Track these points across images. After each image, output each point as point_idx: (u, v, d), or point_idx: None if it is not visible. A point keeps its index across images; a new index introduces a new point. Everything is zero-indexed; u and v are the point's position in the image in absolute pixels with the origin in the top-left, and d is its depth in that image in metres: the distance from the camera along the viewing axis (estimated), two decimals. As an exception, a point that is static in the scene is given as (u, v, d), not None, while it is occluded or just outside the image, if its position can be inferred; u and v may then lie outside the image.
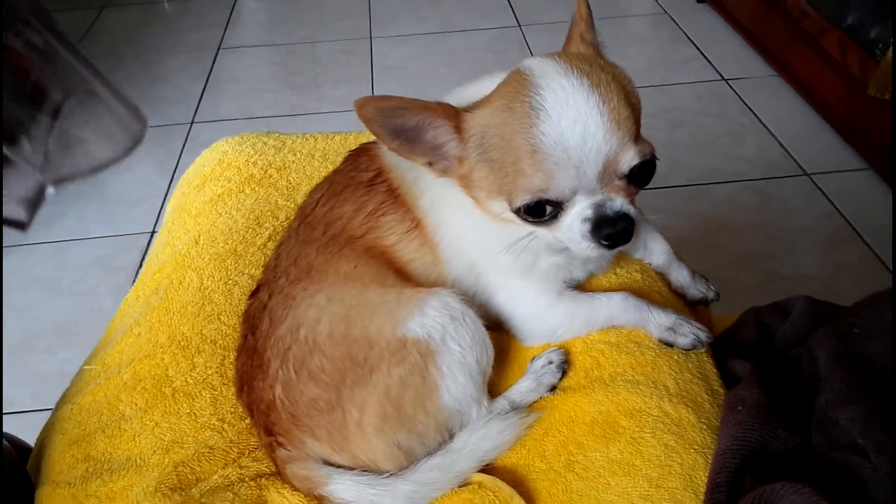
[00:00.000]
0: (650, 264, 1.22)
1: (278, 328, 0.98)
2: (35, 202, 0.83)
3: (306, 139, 1.45)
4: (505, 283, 1.08)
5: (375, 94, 3.40)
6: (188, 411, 1.01)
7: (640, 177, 0.89)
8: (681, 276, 1.22)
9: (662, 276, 1.20)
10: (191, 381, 1.04)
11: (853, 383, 0.90)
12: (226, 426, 1.00)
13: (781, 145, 2.98)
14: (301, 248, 1.04)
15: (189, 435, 0.99)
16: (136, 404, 1.02)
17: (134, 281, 2.43)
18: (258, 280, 1.10)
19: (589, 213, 0.88)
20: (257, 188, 1.31)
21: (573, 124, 0.83)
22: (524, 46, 3.70)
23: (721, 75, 3.43)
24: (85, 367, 1.13)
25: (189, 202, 1.33)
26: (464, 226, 1.03)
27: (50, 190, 0.78)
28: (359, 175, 1.08)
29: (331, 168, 1.35)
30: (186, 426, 0.99)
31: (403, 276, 1.05)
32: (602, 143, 0.84)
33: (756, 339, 1.13)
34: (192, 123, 3.31)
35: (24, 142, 0.78)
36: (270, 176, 1.34)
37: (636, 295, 1.08)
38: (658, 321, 1.06)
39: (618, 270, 1.17)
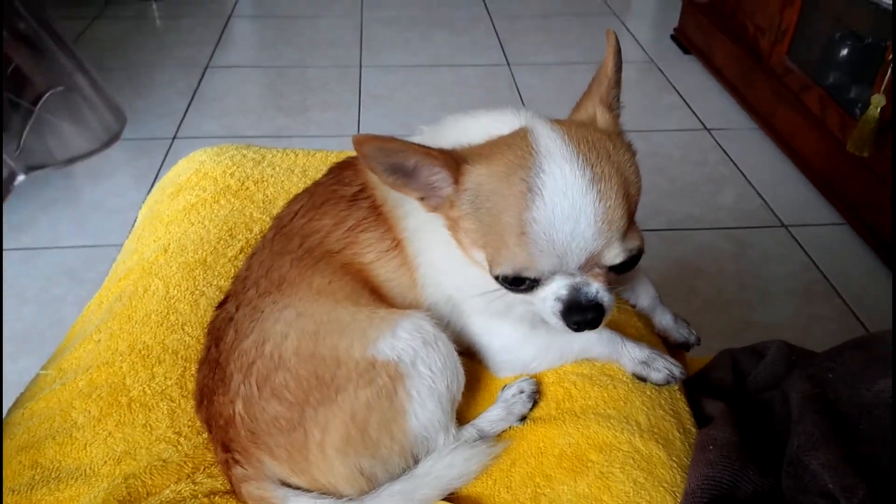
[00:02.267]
0: (635, 306, 1.21)
1: (243, 342, 0.95)
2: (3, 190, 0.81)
3: (286, 154, 1.42)
4: (479, 315, 1.07)
5: (362, 120, 3.42)
6: (143, 422, 0.97)
7: (622, 266, 0.88)
8: (664, 319, 1.22)
9: (639, 313, 1.19)
10: (148, 392, 1.01)
11: (825, 427, 0.89)
12: (182, 440, 0.96)
13: (760, 196, 3.01)
14: (274, 260, 1.02)
15: (143, 447, 0.95)
16: (90, 412, 0.98)
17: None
18: (227, 291, 1.07)
19: (563, 293, 0.88)
20: (233, 200, 1.28)
21: (565, 218, 0.82)
22: (512, 84, 3.73)
23: (703, 125, 3.48)
24: (41, 372, 1.09)
25: (161, 210, 1.30)
26: (443, 260, 1.01)
27: (20, 177, 0.76)
28: (342, 189, 1.06)
29: (310, 184, 1.33)
30: (140, 437, 0.96)
31: (378, 295, 1.02)
32: (590, 240, 0.83)
33: (730, 380, 1.12)
34: (174, 139, 3.29)
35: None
36: (247, 188, 1.32)
37: (611, 328, 1.07)
38: (632, 354, 1.05)
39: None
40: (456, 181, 0.89)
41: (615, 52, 0.94)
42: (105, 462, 0.93)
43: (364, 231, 1.02)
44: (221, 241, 1.20)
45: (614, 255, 0.85)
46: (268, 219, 1.24)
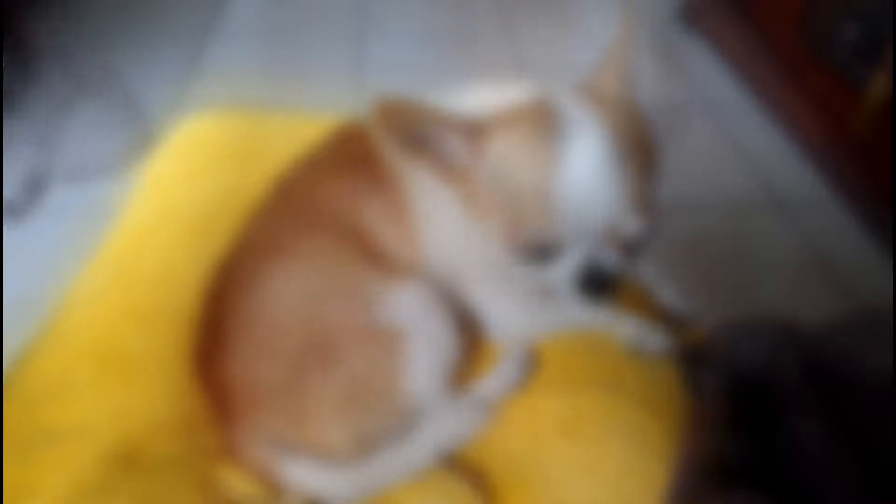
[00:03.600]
0: (636, 278, 1.20)
1: (242, 304, 0.94)
2: (33, 186, 0.80)
3: (290, 120, 1.40)
4: (479, 283, 1.07)
5: (365, 87, 3.38)
6: (140, 384, 0.97)
7: (637, 239, 0.88)
8: (666, 292, 1.21)
9: (638, 285, 1.19)
10: (146, 354, 1.00)
11: (818, 401, 0.90)
12: (178, 401, 0.97)
13: (759, 174, 3.00)
14: (274, 222, 1.01)
15: (139, 407, 0.95)
16: (87, 373, 0.98)
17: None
18: (224, 253, 1.05)
19: (580, 264, 0.88)
20: (234, 164, 1.27)
21: (588, 184, 0.82)
22: (517, 53, 3.69)
23: (705, 100, 3.45)
24: (37, 333, 1.08)
25: (161, 173, 1.29)
26: (448, 231, 1.01)
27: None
28: (346, 153, 1.05)
29: (314, 152, 1.32)
30: (137, 399, 0.96)
31: (380, 261, 1.01)
32: (611, 207, 0.83)
33: (725, 353, 1.12)
34: (173, 102, 3.25)
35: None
36: (249, 153, 1.30)
37: None
38: (628, 326, 1.05)
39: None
40: (475, 151, 0.88)
41: (629, 25, 0.94)
42: (102, 422, 0.93)
43: (367, 197, 1.01)
44: (222, 207, 1.17)
45: (633, 229, 0.85)
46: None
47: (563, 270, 0.89)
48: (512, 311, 1.07)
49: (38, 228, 2.54)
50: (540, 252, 0.87)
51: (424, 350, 0.93)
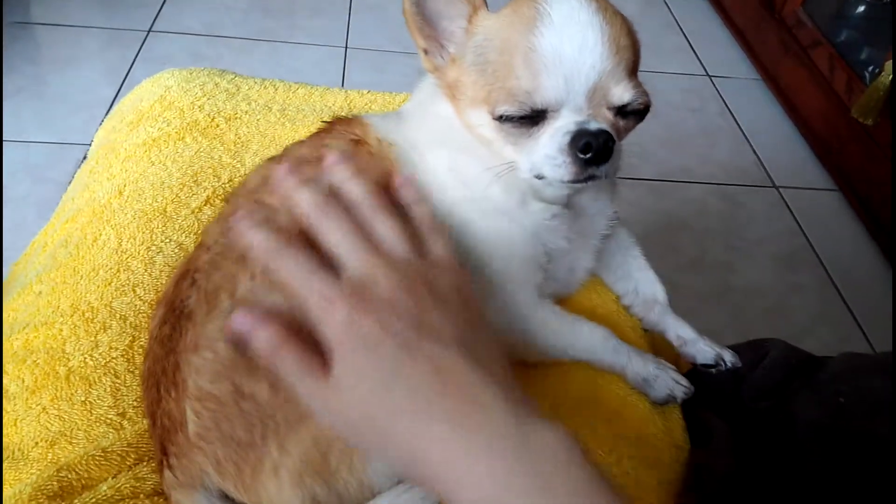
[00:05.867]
0: (640, 317, 1.07)
1: (207, 326, 0.80)
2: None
3: (265, 87, 1.26)
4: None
5: (351, 30, 3.23)
6: (83, 399, 0.84)
7: (629, 113, 0.86)
8: (681, 331, 1.05)
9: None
10: (90, 363, 0.87)
11: (838, 463, 0.83)
12: (125, 423, 0.84)
13: (755, 153, 2.92)
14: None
15: (80, 428, 0.82)
16: (24, 381, 0.85)
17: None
18: (191, 256, 0.89)
19: (571, 127, 0.84)
20: (200, 138, 1.12)
21: (573, 34, 0.82)
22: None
23: (706, 71, 3.34)
24: None
25: (118, 141, 1.14)
26: (445, 165, 0.94)
27: None
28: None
29: (288, 126, 1.19)
30: (78, 417, 0.83)
31: None
32: (598, 59, 0.82)
33: (726, 379, 1.03)
34: (149, 31, 3.08)
35: None
36: (218, 125, 1.15)
37: (614, 332, 0.96)
38: (635, 369, 0.95)
39: (592, 297, 1.04)
40: (470, 21, 0.89)
41: None
42: (37, 443, 0.81)
43: None
44: (185, 188, 1.05)
45: (622, 92, 0.83)
46: (239, 165, 1.08)
47: (555, 135, 0.85)
48: (518, 307, 0.94)
49: (4, 161, 2.41)
50: (528, 119, 0.85)
51: None
